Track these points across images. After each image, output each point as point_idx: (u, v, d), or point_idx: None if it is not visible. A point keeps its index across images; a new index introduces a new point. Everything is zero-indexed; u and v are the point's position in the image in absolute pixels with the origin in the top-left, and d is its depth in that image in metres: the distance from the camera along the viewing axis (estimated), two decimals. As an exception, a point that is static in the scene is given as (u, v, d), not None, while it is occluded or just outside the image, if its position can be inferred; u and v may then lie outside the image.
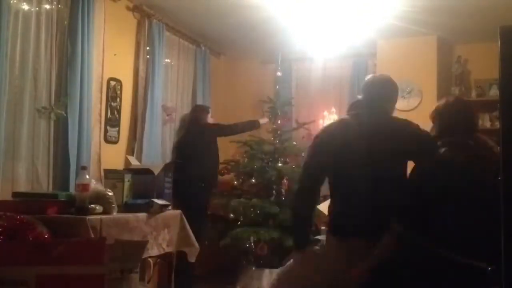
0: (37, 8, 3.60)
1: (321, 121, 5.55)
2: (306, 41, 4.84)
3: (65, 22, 3.82)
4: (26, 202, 3.04)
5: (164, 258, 3.76)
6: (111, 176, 3.59)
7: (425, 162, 2.29)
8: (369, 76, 2.68)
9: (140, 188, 3.68)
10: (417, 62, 5.30)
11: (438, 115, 2.51)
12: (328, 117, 5.57)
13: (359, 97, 2.78)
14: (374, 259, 2.15)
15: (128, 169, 3.99)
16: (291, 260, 2.45)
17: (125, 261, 2.56)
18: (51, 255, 2.12)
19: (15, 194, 3.20)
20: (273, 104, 5.12)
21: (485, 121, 5.28)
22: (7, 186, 3.33)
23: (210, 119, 4.67)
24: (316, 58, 5.46)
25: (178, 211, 3.88)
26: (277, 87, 5.38)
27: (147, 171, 3.78)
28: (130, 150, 4.51)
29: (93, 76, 4.00)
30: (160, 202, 3.52)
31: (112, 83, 4.33)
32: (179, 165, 4.22)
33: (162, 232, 3.50)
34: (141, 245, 2.83)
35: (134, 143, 4.53)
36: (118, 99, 4.40)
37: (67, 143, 3.66)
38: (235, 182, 5.09)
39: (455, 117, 2.46)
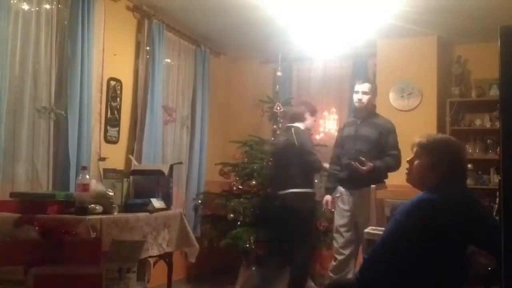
0: (37, 8, 3.60)
1: (321, 121, 5.55)
2: (306, 41, 4.84)
3: (65, 22, 3.81)
4: (27, 202, 3.05)
5: (164, 258, 3.77)
6: (110, 176, 3.59)
7: None
8: None
9: (144, 188, 3.69)
10: (417, 62, 5.29)
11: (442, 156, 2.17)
12: (328, 117, 5.58)
13: None
14: None
15: (135, 170, 4.00)
16: None
17: (123, 260, 2.56)
18: (49, 255, 2.12)
19: (13, 194, 3.20)
20: (273, 104, 5.13)
21: (485, 121, 5.28)
22: (7, 186, 3.33)
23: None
24: (316, 58, 5.46)
25: (178, 211, 3.88)
26: (277, 87, 5.39)
27: (153, 172, 3.80)
28: (130, 150, 4.52)
29: (93, 76, 4.00)
30: (157, 202, 3.53)
31: (112, 83, 4.33)
32: None
33: (162, 232, 3.50)
34: (138, 245, 2.83)
35: (134, 143, 4.53)
36: (118, 99, 4.40)
37: (67, 143, 3.65)
38: (235, 182, 5.09)
39: (461, 163, 2.19)
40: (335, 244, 4.09)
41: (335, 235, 4.11)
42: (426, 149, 2.19)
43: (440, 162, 2.14)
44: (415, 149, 2.24)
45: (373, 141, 3.99)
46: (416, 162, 2.22)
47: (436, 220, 2.00)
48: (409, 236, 2.03)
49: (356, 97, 4.11)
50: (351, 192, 4.01)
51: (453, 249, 2.01)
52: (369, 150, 3.95)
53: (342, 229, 4.04)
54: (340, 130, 4.34)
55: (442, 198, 2.06)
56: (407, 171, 2.27)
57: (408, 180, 2.26)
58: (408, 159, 2.28)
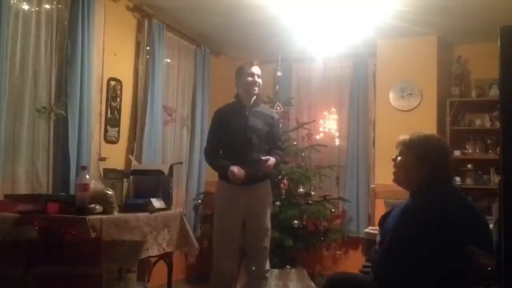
0: (37, 8, 3.60)
1: (321, 121, 5.55)
2: (306, 41, 4.84)
3: (65, 22, 3.81)
4: (27, 201, 3.05)
5: (164, 258, 3.77)
6: (110, 176, 3.60)
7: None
8: None
9: (144, 188, 3.70)
10: (417, 62, 5.29)
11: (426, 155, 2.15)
12: (328, 117, 5.57)
13: None
14: None
15: (134, 169, 4.01)
16: None
17: (123, 261, 2.57)
18: (49, 255, 2.12)
19: (7, 196, 3.19)
20: (273, 104, 5.12)
21: (485, 121, 5.27)
22: (7, 186, 3.33)
23: None
24: (316, 58, 5.46)
25: (178, 211, 3.89)
26: (277, 87, 5.39)
27: (153, 172, 3.80)
28: (130, 150, 4.51)
29: (93, 76, 4.00)
30: (157, 202, 3.53)
31: (112, 83, 4.33)
32: None
33: (162, 232, 3.51)
34: (138, 245, 2.83)
35: (134, 143, 4.53)
36: (118, 99, 4.40)
37: (67, 143, 3.65)
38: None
39: (445, 161, 2.18)
40: None
41: None
42: (409, 147, 2.18)
43: (424, 159, 2.13)
44: (399, 148, 2.24)
45: None
46: (399, 159, 2.22)
47: (424, 226, 2.00)
48: (402, 245, 2.03)
49: None
50: None
51: (444, 250, 1.98)
52: None
53: None
54: None
55: (425, 202, 2.06)
56: (393, 171, 2.27)
57: (394, 180, 2.25)
58: (392, 157, 2.27)
